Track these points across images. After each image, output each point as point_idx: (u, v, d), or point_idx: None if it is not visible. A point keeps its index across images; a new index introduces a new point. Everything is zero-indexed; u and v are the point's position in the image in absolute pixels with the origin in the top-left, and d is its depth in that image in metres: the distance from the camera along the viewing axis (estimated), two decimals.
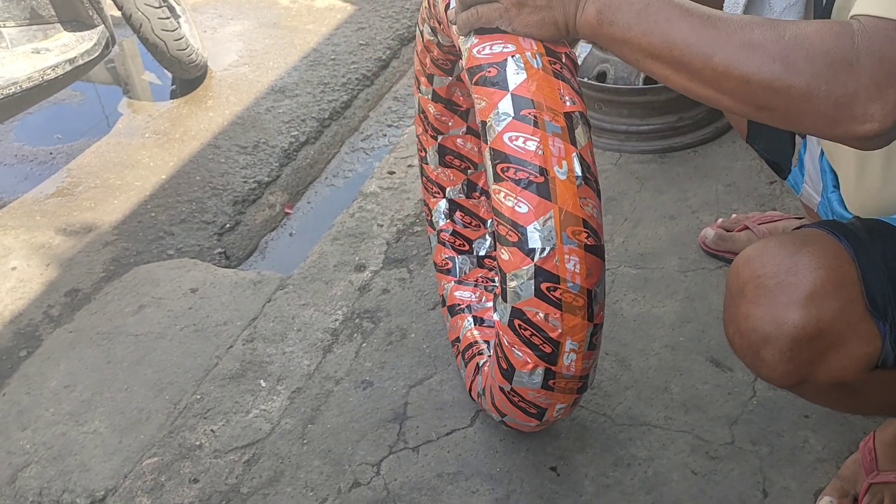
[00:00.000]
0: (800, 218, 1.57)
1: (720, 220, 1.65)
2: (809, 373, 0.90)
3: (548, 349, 1.04)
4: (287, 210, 2.20)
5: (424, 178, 1.51)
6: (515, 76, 1.00)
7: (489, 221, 1.52)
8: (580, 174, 1.00)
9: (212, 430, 1.40)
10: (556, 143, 0.99)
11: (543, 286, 1.00)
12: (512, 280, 1.02)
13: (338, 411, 1.41)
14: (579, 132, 1.01)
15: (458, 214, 1.50)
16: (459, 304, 1.45)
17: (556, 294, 1.01)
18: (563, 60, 1.03)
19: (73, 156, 2.40)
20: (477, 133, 1.46)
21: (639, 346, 1.46)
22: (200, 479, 1.32)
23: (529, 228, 0.99)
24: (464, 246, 1.51)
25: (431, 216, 1.52)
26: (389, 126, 2.52)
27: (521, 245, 1.00)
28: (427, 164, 1.49)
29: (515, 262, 1.01)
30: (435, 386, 1.43)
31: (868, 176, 1.02)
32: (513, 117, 0.99)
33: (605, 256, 1.05)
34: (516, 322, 1.04)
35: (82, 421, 1.46)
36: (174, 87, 2.74)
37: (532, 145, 0.98)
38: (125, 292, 1.76)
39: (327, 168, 2.38)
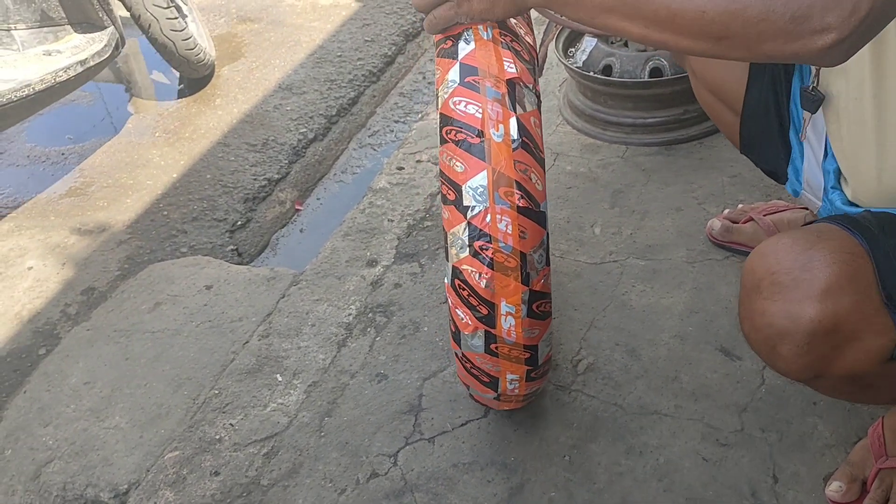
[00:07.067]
0: (805, 208, 1.59)
1: (726, 211, 1.67)
2: (825, 366, 0.91)
3: (484, 311, 1.07)
4: (297, 206, 2.23)
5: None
6: (465, 46, 1.07)
7: None
8: (516, 138, 1.04)
9: (231, 424, 1.43)
10: (495, 108, 1.04)
11: (477, 244, 1.04)
12: (451, 238, 1.06)
13: (354, 404, 1.43)
14: (522, 100, 1.06)
15: None
16: None
17: (488, 253, 1.04)
18: (519, 37, 1.09)
19: (84, 156, 2.42)
20: None
21: (648, 336, 1.48)
22: (221, 472, 1.35)
23: (465, 187, 1.03)
24: None
25: None
26: (396, 122, 2.54)
27: (458, 203, 1.04)
28: None
29: (453, 221, 1.05)
30: (448, 378, 1.46)
31: (890, 167, 1.01)
32: (458, 84, 1.05)
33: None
34: (456, 282, 1.08)
35: (103, 416, 1.49)
36: (182, 86, 2.76)
37: (472, 109, 1.04)
38: (141, 290, 1.79)
39: (336, 164, 2.40)
